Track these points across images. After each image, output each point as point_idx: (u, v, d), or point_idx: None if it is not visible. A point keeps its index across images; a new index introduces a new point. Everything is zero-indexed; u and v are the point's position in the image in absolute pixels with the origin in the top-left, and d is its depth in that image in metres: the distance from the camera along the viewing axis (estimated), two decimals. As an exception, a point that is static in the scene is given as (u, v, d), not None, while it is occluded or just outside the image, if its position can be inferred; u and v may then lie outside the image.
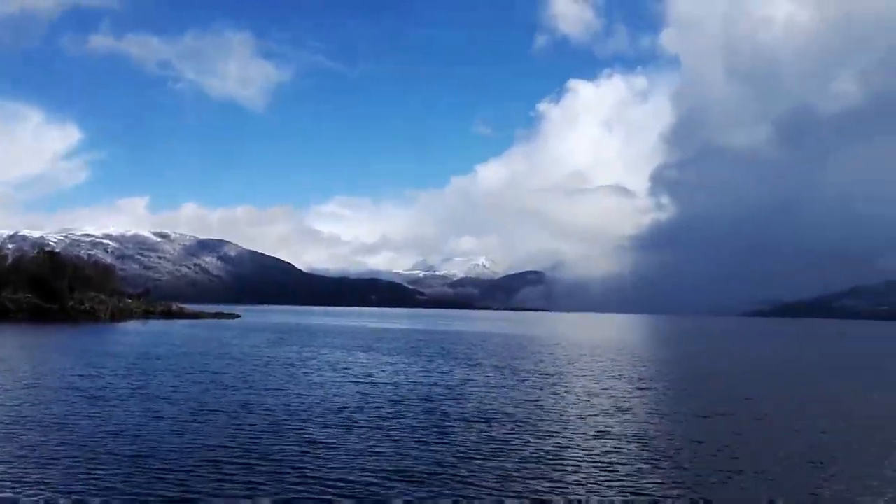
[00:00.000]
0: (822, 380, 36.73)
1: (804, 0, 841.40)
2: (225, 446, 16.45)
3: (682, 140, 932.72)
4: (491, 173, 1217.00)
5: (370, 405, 23.21)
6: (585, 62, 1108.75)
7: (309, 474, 14.12)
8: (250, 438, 17.43)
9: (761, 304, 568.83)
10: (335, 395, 25.30)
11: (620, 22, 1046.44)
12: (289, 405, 22.81)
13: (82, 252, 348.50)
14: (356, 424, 19.61)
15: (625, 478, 14.34)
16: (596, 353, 51.09)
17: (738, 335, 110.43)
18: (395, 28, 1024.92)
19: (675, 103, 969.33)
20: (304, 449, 16.38)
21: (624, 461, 15.78)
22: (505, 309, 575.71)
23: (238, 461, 15.06)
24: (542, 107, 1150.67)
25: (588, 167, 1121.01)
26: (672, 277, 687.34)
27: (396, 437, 17.94)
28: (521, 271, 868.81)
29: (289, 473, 14.16)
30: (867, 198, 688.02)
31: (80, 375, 29.52)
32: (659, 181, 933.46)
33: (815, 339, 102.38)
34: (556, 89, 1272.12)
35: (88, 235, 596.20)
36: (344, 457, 15.71)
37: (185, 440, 17.05)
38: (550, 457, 16.08)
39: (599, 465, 15.41)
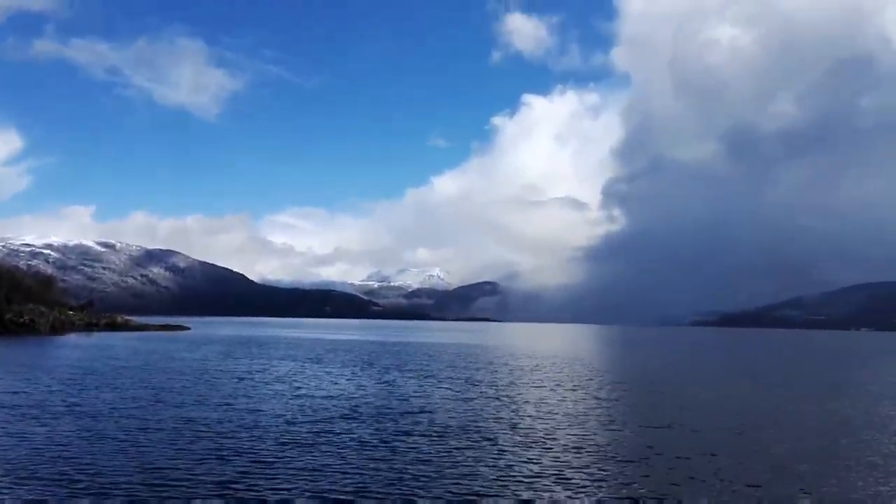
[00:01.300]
0: (762, 387, 37.82)
1: (747, 25, 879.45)
2: (164, 466, 15.80)
3: (633, 154, 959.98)
4: (446, 185, 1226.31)
5: (320, 419, 22.72)
6: (539, 77, 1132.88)
7: (254, 492, 13.72)
8: (192, 456, 16.79)
9: (707, 315, 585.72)
10: (284, 410, 24.69)
11: (573, 39, 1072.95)
12: (235, 420, 22.10)
13: (21, 262, 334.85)
14: (305, 440, 19.13)
15: (579, 482, 14.41)
16: (548, 364, 51.53)
17: (685, 345, 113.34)
18: (351, 40, 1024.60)
19: (626, 118, 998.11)
20: (249, 468, 15.88)
21: (576, 468, 15.85)
22: (459, 319, 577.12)
23: (176, 482, 14.49)
24: (497, 120, 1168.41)
25: (542, 180, 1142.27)
26: (623, 288, 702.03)
27: (348, 453, 17.57)
28: (475, 282, 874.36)
29: (231, 492, 13.73)
30: (806, 210, 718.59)
31: (11, 392, 28.10)
32: (610, 194, 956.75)
33: (756, 347, 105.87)
34: (510, 103, 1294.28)
35: (28, 245, 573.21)
36: (291, 474, 15.32)
37: (122, 459, 16.28)
38: (502, 466, 16.04)
39: (551, 472, 15.44)
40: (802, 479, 15.58)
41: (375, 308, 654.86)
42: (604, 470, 16.13)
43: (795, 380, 44.27)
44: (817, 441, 20.48)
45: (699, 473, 15.89)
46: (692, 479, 15.39)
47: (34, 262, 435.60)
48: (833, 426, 23.53)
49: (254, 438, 19.15)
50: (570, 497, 13.84)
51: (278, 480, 14.68)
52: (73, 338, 79.67)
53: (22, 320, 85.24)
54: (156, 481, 14.37)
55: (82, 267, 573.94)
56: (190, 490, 13.79)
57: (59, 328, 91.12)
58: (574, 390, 32.98)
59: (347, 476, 15.15)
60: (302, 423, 21.96)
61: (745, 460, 17.37)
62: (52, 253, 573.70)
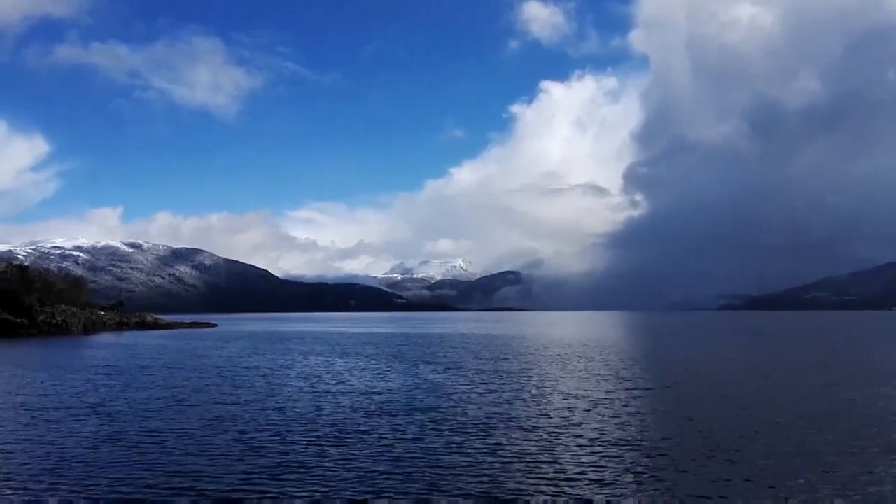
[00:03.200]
0: (796, 374, 37.22)
1: (767, 3, 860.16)
2: (195, 465, 16.02)
3: (653, 137, 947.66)
4: (465, 175, 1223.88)
5: (349, 416, 22.79)
6: (557, 64, 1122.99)
7: (290, 490, 13.88)
8: (223, 454, 17.00)
9: (733, 299, 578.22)
10: (313, 407, 24.84)
11: (590, 24, 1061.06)
12: (264, 419, 22.31)
13: (52, 265, 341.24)
14: (337, 438, 19.19)
15: (617, 476, 14.33)
16: (578, 353, 51.24)
17: (715, 331, 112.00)
18: (367, 34, 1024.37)
19: (645, 102, 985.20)
20: (282, 464, 16.01)
21: (615, 461, 15.74)
22: (483, 310, 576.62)
23: (207, 478, 14.68)
24: (515, 108, 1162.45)
25: (561, 167, 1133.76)
26: (647, 273, 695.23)
27: (378, 451, 17.57)
28: (498, 272, 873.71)
29: (265, 489, 13.90)
30: (832, 188, 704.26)
31: (40, 395, 28.73)
32: (631, 179, 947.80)
33: (787, 332, 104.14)
34: (528, 91, 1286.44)
35: (58, 248, 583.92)
36: (319, 474, 15.43)
37: (155, 456, 16.55)
38: (538, 460, 15.98)
39: (588, 464, 15.36)
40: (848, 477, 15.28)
41: (399, 301, 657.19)
42: (639, 465, 15.96)
43: (832, 364, 43.51)
44: (868, 433, 20.06)
45: (736, 472, 15.71)
46: (730, 480, 15.21)
47: (64, 265, 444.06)
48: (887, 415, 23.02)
49: (282, 436, 19.21)
50: (596, 495, 13.77)
51: (310, 481, 14.75)
52: (105, 337, 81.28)
53: (55, 321, 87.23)
54: (181, 483, 14.56)
55: (111, 267, 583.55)
56: (217, 480, 14.00)
57: (91, 328, 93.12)
58: (610, 381, 32.40)
59: (379, 476, 15.18)
60: (331, 420, 22.03)
61: (792, 457, 17.11)
62: (81, 255, 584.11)
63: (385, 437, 18.93)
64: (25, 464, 16.17)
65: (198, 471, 15.31)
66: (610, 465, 15.62)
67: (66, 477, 14.90)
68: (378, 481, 14.45)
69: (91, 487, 14.09)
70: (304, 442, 18.41)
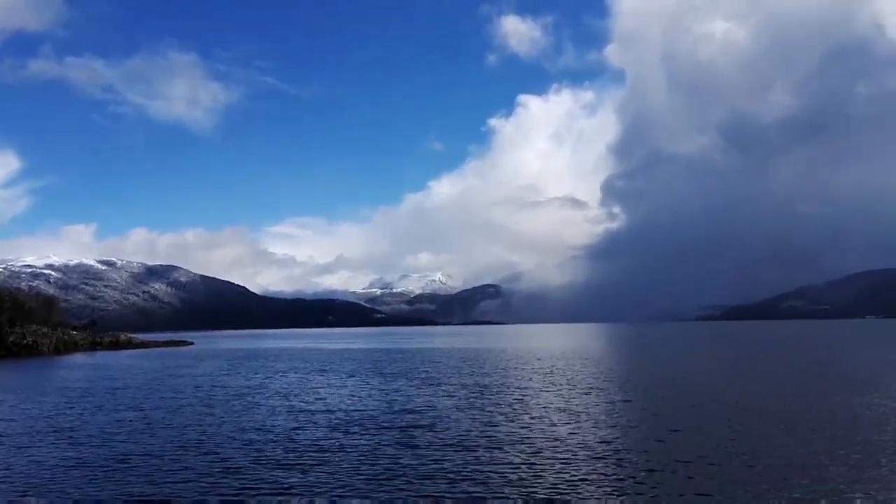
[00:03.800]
0: (778, 383, 37.43)
1: (740, 18, 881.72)
2: (164, 488, 15.50)
3: (630, 150, 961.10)
4: (444, 188, 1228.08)
5: (326, 434, 22.34)
6: (534, 78, 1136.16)
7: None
8: (193, 479, 16.43)
9: (711, 309, 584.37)
10: (292, 426, 24.34)
11: (567, 38, 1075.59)
12: (239, 439, 21.70)
13: (23, 284, 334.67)
14: (315, 457, 18.80)
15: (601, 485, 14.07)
16: (559, 366, 51.08)
17: (692, 341, 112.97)
18: (345, 48, 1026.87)
19: (621, 115, 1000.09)
20: (258, 486, 15.56)
21: (597, 473, 15.49)
22: (463, 323, 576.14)
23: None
24: (494, 122, 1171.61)
25: (540, 180, 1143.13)
26: (626, 285, 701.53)
27: (358, 467, 17.23)
28: (478, 285, 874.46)
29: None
30: (807, 199, 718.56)
31: (6, 419, 27.77)
32: (609, 191, 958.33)
33: (766, 341, 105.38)
34: (506, 104, 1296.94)
35: (29, 266, 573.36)
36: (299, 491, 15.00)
37: (121, 481, 15.95)
38: (519, 474, 15.68)
39: (570, 476, 15.10)
40: (836, 480, 15.21)
41: (378, 315, 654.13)
42: (622, 478, 15.77)
43: (814, 373, 43.86)
44: (848, 438, 20.08)
45: (724, 478, 15.56)
46: (714, 482, 15.05)
47: (35, 283, 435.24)
48: (866, 422, 23.09)
49: (257, 457, 18.72)
50: (578, 497, 13.52)
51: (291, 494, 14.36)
52: (77, 358, 79.36)
53: (25, 342, 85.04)
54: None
55: (84, 286, 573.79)
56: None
57: (62, 349, 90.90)
58: (588, 393, 32.23)
59: (357, 492, 14.83)
60: (306, 438, 21.57)
61: (774, 463, 17.01)
62: (53, 273, 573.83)
63: (363, 455, 18.48)
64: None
65: (166, 497, 14.72)
66: (592, 476, 15.37)
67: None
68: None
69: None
70: (281, 462, 17.87)
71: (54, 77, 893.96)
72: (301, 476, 16.33)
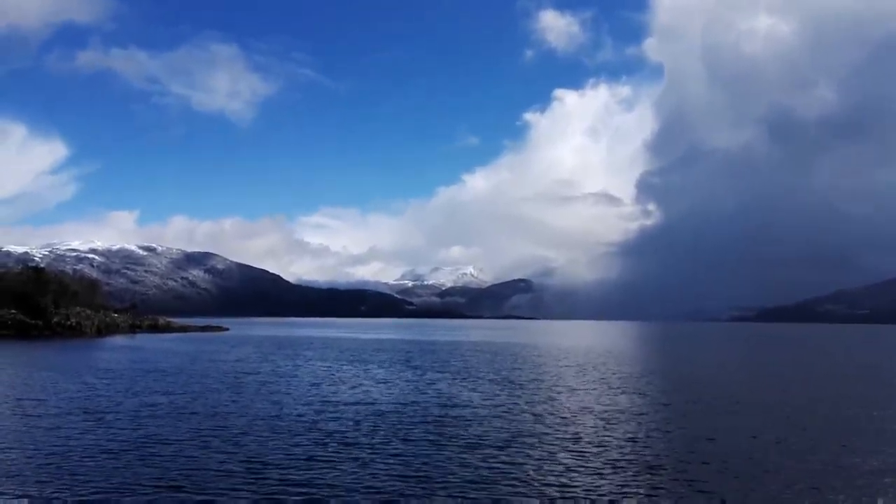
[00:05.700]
0: (816, 387, 36.84)
1: (785, 13, 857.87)
2: (181, 473, 16.05)
3: (666, 146, 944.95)
4: (478, 183, 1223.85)
5: (357, 425, 22.70)
6: (571, 72, 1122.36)
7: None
8: (213, 467, 16.89)
9: (745, 310, 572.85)
10: (318, 416, 24.78)
11: (605, 33, 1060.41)
12: (263, 427, 22.13)
13: (67, 267, 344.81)
14: (348, 448, 19.23)
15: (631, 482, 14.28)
16: (592, 363, 51.00)
17: (728, 342, 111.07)
18: (382, 41, 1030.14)
19: (659, 110, 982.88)
20: (283, 479, 16.02)
21: (630, 476, 15.68)
22: (494, 317, 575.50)
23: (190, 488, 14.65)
24: (529, 116, 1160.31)
25: (574, 175, 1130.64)
26: (659, 283, 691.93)
27: (389, 463, 17.59)
28: (509, 279, 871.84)
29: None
30: (847, 198, 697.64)
31: (39, 397, 28.94)
32: (644, 188, 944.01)
33: (801, 344, 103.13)
34: (542, 99, 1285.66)
35: (74, 250, 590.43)
36: (323, 482, 15.50)
37: (140, 463, 16.62)
38: (547, 474, 15.94)
39: (602, 479, 15.33)
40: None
41: (409, 307, 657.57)
42: (657, 482, 15.92)
43: (854, 378, 43.01)
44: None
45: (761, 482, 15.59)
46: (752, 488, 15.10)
47: (80, 267, 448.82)
48: None
49: (281, 446, 18.94)
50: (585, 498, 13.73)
51: (313, 487, 14.80)
52: (118, 340, 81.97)
53: (69, 323, 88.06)
54: (183, 484, 14.63)
55: (125, 270, 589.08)
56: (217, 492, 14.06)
57: (104, 330, 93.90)
58: (625, 393, 31.74)
59: (380, 491, 15.20)
60: (333, 430, 21.88)
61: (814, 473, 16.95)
62: (96, 257, 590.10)
63: (392, 450, 18.75)
64: (10, 467, 16.28)
65: (180, 482, 14.94)
66: (626, 480, 15.56)
67: (47, 483, 14.70)
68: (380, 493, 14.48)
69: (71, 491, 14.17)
70: (304, 453, 18.12)
71: (101, 68, 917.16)
72: (324, 470, 16.65)
